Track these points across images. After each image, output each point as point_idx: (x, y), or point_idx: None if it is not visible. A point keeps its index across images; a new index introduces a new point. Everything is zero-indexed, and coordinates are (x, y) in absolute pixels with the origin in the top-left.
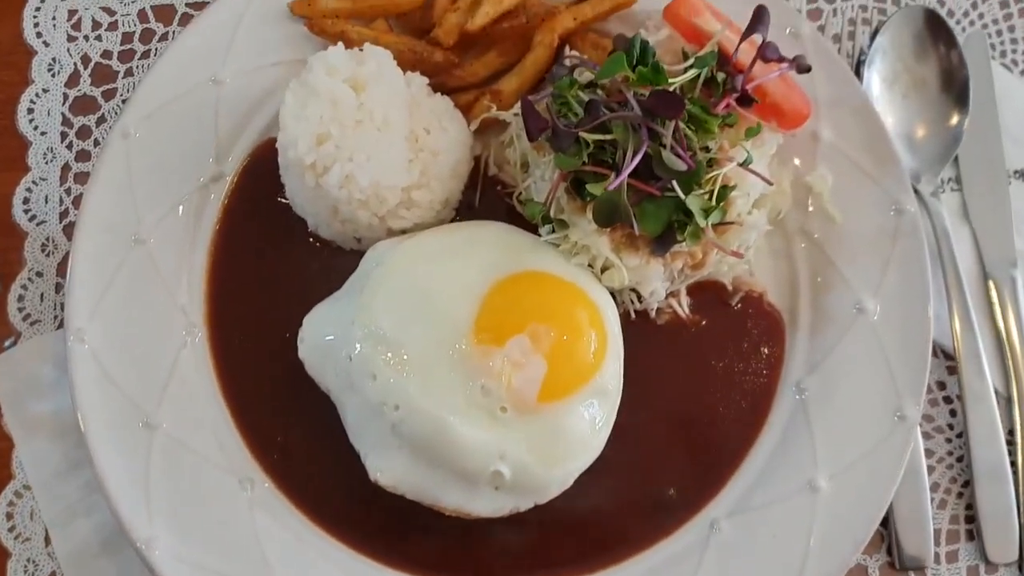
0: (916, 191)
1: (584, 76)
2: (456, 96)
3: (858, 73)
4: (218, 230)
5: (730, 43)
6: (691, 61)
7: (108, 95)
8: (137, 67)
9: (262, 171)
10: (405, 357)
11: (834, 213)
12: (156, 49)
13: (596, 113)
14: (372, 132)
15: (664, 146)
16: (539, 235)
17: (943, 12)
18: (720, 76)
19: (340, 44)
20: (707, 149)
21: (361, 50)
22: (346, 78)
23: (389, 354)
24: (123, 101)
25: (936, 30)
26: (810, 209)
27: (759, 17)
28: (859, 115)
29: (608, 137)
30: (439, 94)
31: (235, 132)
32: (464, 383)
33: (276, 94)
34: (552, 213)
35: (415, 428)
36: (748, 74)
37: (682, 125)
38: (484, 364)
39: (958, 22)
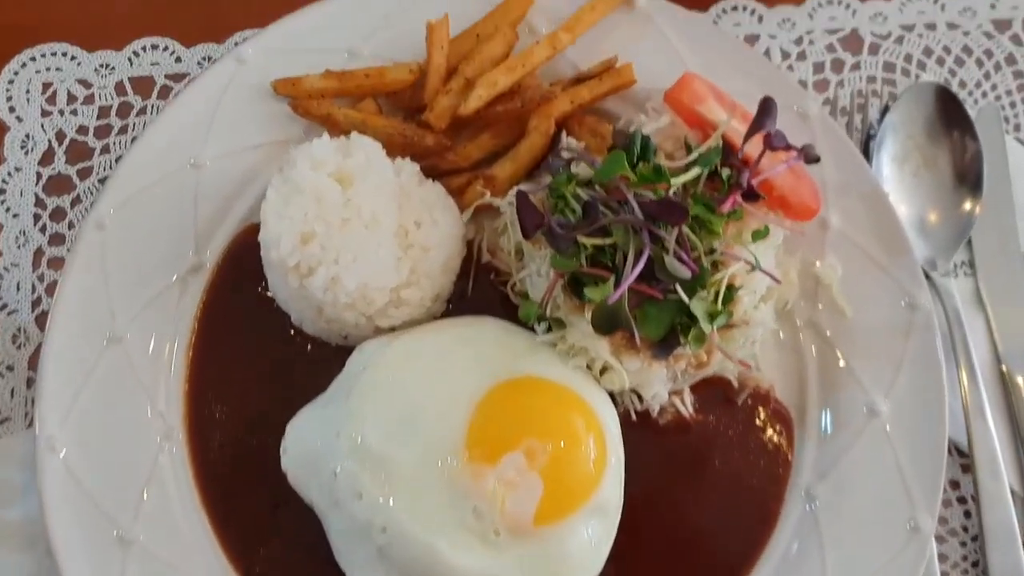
0: (928, 276)
1: (582, 168)
2: (448, 179)
3: (867, 149)
4: (197, 326)
5: (735, 133)
6: (694, 156)
7: (83, 174)
8: (114, 143)
9: (244, 260)
10: (393, 475)
11: (844, 306)
12: (134, 124)
13: (595, 216)
14: (359, 230)
15: (667, 250)
16: (534, 330)
17: (955, 83)
18: (725, 172)
19: (325, 135)
20: (712, 250)
21: (348, 137)
22: (332, 171)
23: (376, 472)
24: (99, 180)
25: (948, 108)
26: (819, 307)
27: (766, 110)
28: (869, 201)
29: (608, 241)
30: (431, 180)
31: (216, 219)
32: (455, 505)
33: (259, 178)
34: (548, 312)
35: (403, 552)
36: (755, 168)
37: (686, 229)
38: (476, 484)
39: (970, 93)
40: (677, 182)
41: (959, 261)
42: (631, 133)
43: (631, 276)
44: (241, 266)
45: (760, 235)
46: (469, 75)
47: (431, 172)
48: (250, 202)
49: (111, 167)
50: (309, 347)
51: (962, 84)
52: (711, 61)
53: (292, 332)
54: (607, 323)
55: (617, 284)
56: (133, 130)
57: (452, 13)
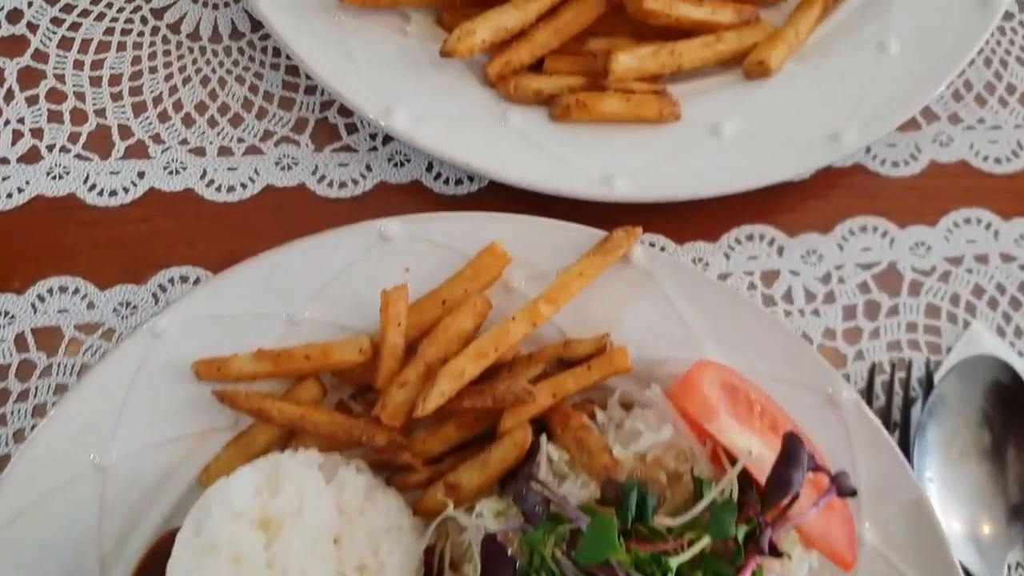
0: None
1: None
2: (404, 475)
3: (907, 415)
4: None
5: (757, 466)
6: (705, 504)
7: None
8: (12, 413)
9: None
10: None
11: None
12: (36, 388)
13: None
14: None
15: None
16: None
17: (1010, 330)
18: (741, 531)
19: (247, 472)
20: None
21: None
22: (255, 518)
23: None
24: None
25: (1007, 389)
26: None
27: (791, 455)
28: (910, 513)
29: None
30: (380, 490)
31: (125, 532)
32: None
33: (177, 475)
34: None
35: None
36: (778, 523)
37: None
38: None
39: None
40: (680, 561)
41: (1014, 563)
42: (625, 485)
43: None
44: None
45: None
46: (430, 359)
47: (382, 468)
48: (168, 506)
49: (8, 443)
50: None
51: (1018, 332)
52: (722, 329)
53: None
54: None
55: None
56: (35, 396)
57: (413, 268)
